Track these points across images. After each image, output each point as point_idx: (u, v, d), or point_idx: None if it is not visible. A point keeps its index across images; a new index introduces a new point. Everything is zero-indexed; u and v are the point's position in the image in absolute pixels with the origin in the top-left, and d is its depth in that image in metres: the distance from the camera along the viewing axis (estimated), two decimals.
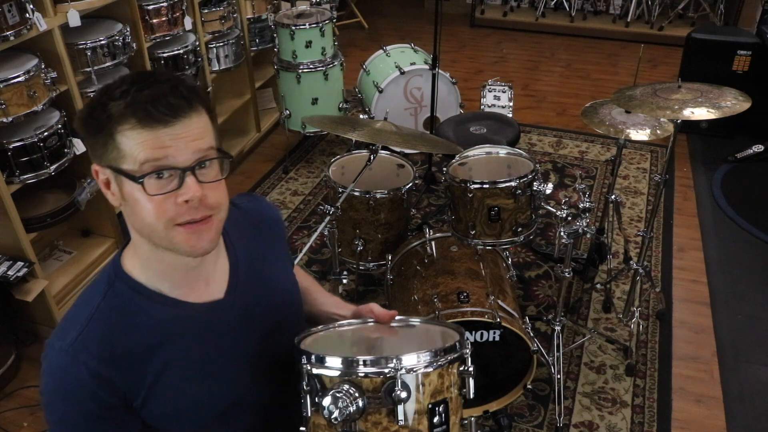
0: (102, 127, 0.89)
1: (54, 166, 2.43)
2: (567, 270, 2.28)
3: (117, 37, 2.66)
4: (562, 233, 2.19)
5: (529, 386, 2.22)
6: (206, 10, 3.36)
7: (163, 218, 0.91)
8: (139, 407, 1.01)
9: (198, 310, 1.04)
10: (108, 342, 0.96)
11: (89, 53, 2.58)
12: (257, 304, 1.04)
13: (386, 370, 0.94)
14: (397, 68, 3.66)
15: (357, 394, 0.93)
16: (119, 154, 0.89)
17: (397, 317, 1.16)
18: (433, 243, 2.40)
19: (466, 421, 1.04)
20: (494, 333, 2.10)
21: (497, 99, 4.00)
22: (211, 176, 0.93)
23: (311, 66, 3.65)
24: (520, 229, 2.21)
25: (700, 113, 2.05)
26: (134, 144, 0.88)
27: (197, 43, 3.23)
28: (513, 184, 2.15)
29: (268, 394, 1.15)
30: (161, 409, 1.03)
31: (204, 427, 1.10)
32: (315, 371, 0.96)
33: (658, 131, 2.46)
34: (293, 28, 3.56)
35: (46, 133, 2.38)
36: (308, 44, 3.60)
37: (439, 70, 3.51)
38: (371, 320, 1.17)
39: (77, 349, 0.95)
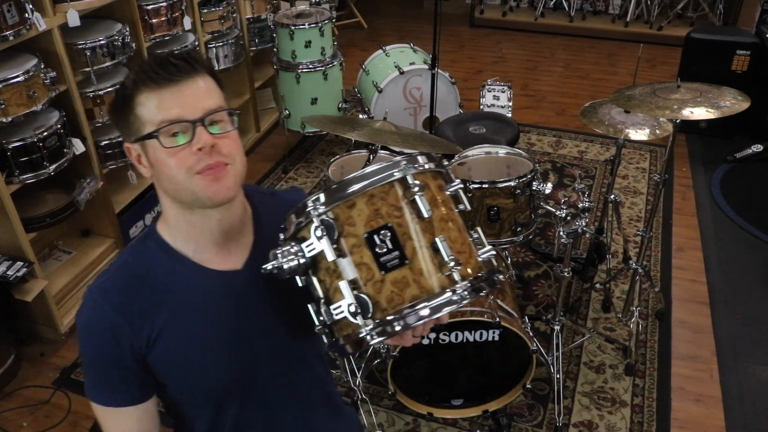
0: (123, 103, 1.01)
1: (53, 166, 2.43)
2: (566, 270, 2.28)
3: (116, 37, 2.66)
4: (561, 233, 2.20)
5: (528, 386, 2.23)
6: (205, 10, 3.36)
7: (183, 168, 0.99)
8: (145, 362, 1.07)
9: (215, 277, 1.09)
10: (126, 292, 1.06)
11: (89, 53, 2.58)
12: (272, 282, 1.06)
13: (303, 218, 0.98)
14: (397, 68, 3.66)
15: (296, 249, 0.98)
16: (141, 124, 1.00)
17: None
18: None
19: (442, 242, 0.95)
20: (493, 332, 2.11)
21: (496, 99, 4.00)
22: (221, 130, 1.02)
23: (311, 66, 3.66)
24: (519, 228, 2.22)
25: (699, 113, 2.05)
26: (149, 109, 0.99)
27: (197, 43, 3.23)
28: (512, 183, 2.15)
29: (277, 371, 1.17)
30: (164, 366, 1.08)
31: (215, 395, 1.13)
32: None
33: (657, 131, 2.46)
34: (292, 28, 3.56)
35: (45, 133, 2.38)
36: (308, 44, 3.60)
37: (439, 70, 3.51)
38: None
39: (100, 292, 1.07)
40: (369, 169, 0.97)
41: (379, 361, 2.36)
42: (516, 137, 3.08)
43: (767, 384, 2.45)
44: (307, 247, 0.97)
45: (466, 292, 0.94)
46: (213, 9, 3.39)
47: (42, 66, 2.35)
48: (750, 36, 3.99)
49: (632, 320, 2.57)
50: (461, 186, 1.04)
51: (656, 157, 3.93)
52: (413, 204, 0.96)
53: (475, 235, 1.04)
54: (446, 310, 0.92)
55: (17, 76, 2.22)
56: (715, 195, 3.56)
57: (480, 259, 1.00)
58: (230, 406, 1.15)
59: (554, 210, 2.19)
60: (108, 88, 2.67)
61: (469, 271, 0.97)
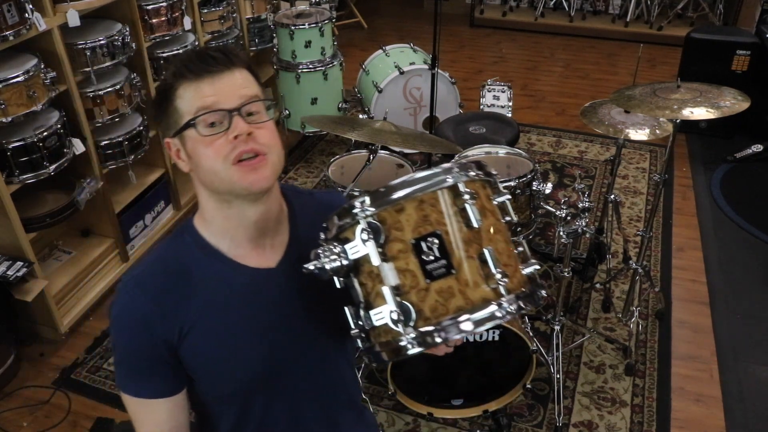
0: (164, 97, 1.03)
1: (53, 166, 2.43)
2: (566, 270, 2.28)
3: (116, 37, 2.66)
4: (561, 233, 2.20)
5: (528, 386, 2.23)
6: (205, 10, 3.36)
7: (219, 156, 1.00)
8: (177, 355, 1.08)
9: (248, 273, 1.10)
10: (160, 284, 1.07)
11: (88, 53, 2.58)
12: (305, 282, 1.06)
13: (348, 219, 0.96)
14: (397, 68, 3.66)
15: (338, 250, 0.96)
16: (179, 116, 1.02)
17: None
18: None
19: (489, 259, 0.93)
20: (493, 332, 2.11)
21: (496, 99, 4.00)
22: (258, 119, 1.03)
23: (311, 66, 3.66)
24: (519, 228, 2.22)
25: (699, 113, 2.05)
26: (186, 101, 1.01)
27: (197, 43, 3.23)
28: (512, 183, 2.15)
29: (305, 371, 1.17)
30: (194, 359, 1.08)
31: (242, 392, 1.14)
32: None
33: (658, 131, 2.46)
34: (292, 28, 3.56)
35: (45, 133, 2.38)
36: (307, 44, 3.60)
37: (439, 70, 3.51)
38: None
39: (135, 284, 1.07)
40: (420, 174, 0.95)
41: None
42: (516, 137, 3.08)
43: (767, 384, 2.45)
44: (351, 248, 0.95)
45: (512, 307, 0.92)
46: (213, 9, 3.39)
47: (42, 66, 2.35)
48: (750, 36, 3.99)
49: (632, 320, 2.57)
50: (509, 197, 1.03)
51: (656, 157, 3.93)
52: (463, 212, 0.94)
53: (520, 248, 1.02)
54: (489, 324, 0.90)
55: (17, 76, 2.22)
56: (715, 195, 3.56)
57: (524, 273, 0.99)
58: (256, 403, 1.15)
59: (554, 210, 2.19)
60: (108, 88, 2.67)
61: (515, 285, 0.95)
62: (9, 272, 2.37)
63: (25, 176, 2.37)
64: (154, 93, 1.08)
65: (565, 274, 2.28)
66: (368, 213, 0.93)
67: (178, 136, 1.04)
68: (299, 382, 1.17)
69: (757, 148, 3.82)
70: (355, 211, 0.94)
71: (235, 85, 1.02)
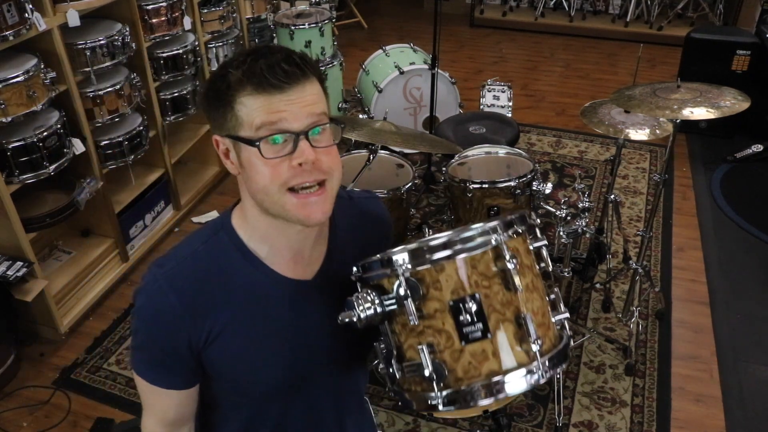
0: (222, 97, 0.95)
1: (53, 166, 2.43)
2: (566, 270, 2.28)
3: (116, 37, 2.66)
4: (561, 233, 2.20)
5: None
6: (205, 10, 3.36)
7: (277, 181, 0.95)
8: (199, 356, 1.06)
9: (284, 283, 1.07)
10: (193, 284, 1.03)
11: (88, 53, 2.58)
12: (338, 297, 1.04)
13: (387, 270, 0.95)
14: (397, 68, 3.66)
15: (372, 297, 0.95)
16: (237, 122, 0.95)
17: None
18: None
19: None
20: None
21: (496, 99, 4.00)
22: (324, 141, 0.97)
23: None
24: None
25: (700, 113, 2.05)
26: (251, 110, 0.93)
27: (196, 43, 3.23)
28: (512, 183, 2.15)
29: (326, 380, 1.17)
30: (218, 363, 1.07)
31: (259, 398, 1.13)
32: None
33: (658, 131, 2.46)
34: (292, 28, 3.57)
35: (45, 133, 2.38)
36: (307, 44, 3.61)
37: (439, 70, 3.51)
38: None
39: (166, 280, 1.02)
40: (464, 233, 0.94)
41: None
42: (516, 137, 3.08)
43: (767, 384, 2.45)
44: (387, 300, 0.95)
45: (545, 373, 0.94)
46: (213, 9, 3.39)
47: (42, 66, 2.35)
48: (750, 36, 3.99)
49: (632, 320, 2.57)
50: (545, 243, 1.02)
51: (656, 157, 3.93)
52: (503, 274, 0.94)
53: (552, 296, 1.03)
54: (520, 390, 0.92)
55: (17, 76, 2.22)
56: (715, 195, 3.56)
57: (554, 320, 1.00)
58: (272, 408, 1.15)
59: (554, 210, 2.19)
60: (108, 88, 2.67)
61: (548, 347, 0.96)
62: (9, 272, 2.37)
63: (25, 176, 2.37)
64: (208, 84, 1.00)
65: (565, 274, 2.28)
66: (407, 269, 0.93)
67: (231, 140, 0.98)
68: (319, 391, 1.17)
69: (757, 148, 3.82)
70: (394, 266, 0.93)
71: (304, 102, 0.94)
